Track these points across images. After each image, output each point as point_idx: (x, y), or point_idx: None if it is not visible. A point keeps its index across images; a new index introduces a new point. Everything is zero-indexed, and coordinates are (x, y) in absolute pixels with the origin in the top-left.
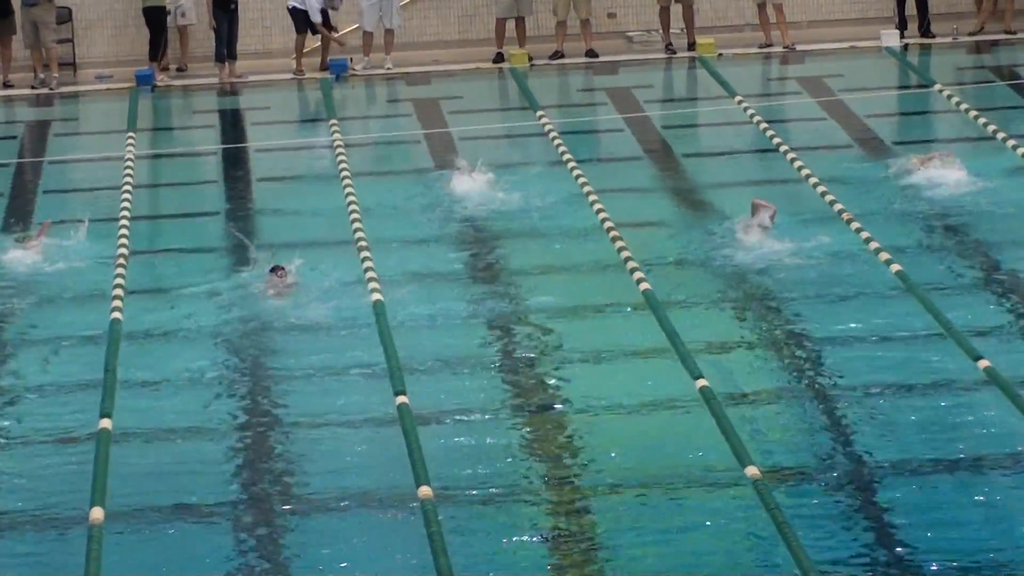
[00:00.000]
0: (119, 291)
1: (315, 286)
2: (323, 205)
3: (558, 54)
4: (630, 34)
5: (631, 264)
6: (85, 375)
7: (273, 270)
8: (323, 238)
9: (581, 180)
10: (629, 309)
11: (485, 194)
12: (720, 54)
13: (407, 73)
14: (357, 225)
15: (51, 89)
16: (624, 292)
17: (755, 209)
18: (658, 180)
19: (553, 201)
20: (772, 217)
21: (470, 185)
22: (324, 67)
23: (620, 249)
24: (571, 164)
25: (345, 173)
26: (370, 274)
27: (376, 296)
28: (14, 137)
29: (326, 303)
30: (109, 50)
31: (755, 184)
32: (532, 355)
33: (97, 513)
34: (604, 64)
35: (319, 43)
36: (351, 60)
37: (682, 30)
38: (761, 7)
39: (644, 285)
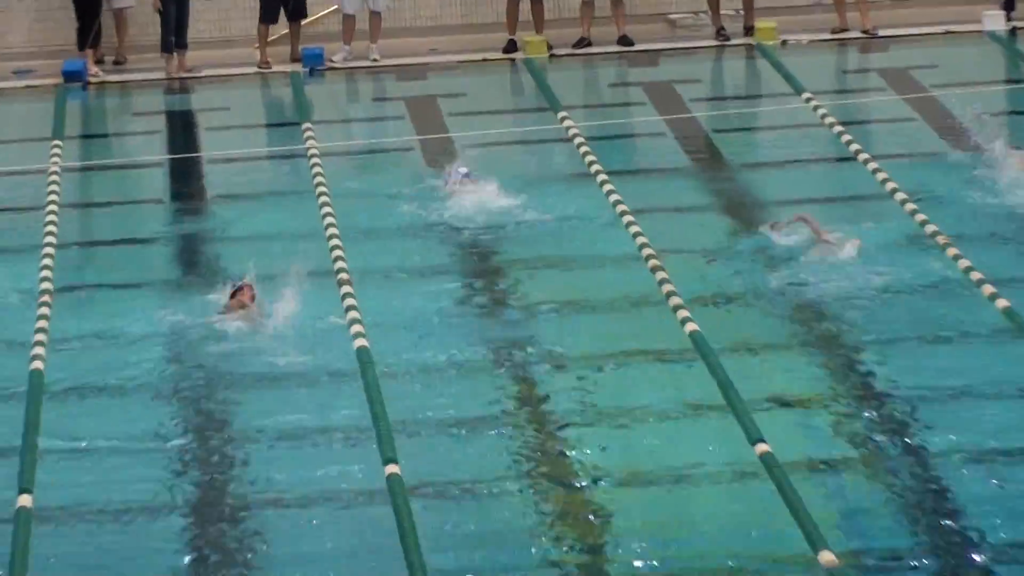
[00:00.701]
0: (41, 336)
1: (285, 328)
2: (295, 228)
3: (584, 41)
4: (673, 16)
5: (675, 300)
6: None
7: (232, 289)
8: (295, 269)
9: (613, 197)
10: (672, 355)
11: (494, 214)
12: (783, 41)
13: (398, 66)
14: (337, 253)
15: None
16: (666, 334)
17: (811, 228)
18: (707, 196)
19: (578, 222)
20: (814, 231)
21: (475, 203)
22: (295, 58)
23: (661, 281)
24: (600, 177)
25: (322, 189)
26: (352, 313)
27: (360, 341)
28: None
29: (298, 349)
30: (30, 39)
31: (827, 201)
32: (552, 412)
33: None
34: (641, 54)
35: (288, 29)
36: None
37: (737, 11)
38: None
39: (691, 326)
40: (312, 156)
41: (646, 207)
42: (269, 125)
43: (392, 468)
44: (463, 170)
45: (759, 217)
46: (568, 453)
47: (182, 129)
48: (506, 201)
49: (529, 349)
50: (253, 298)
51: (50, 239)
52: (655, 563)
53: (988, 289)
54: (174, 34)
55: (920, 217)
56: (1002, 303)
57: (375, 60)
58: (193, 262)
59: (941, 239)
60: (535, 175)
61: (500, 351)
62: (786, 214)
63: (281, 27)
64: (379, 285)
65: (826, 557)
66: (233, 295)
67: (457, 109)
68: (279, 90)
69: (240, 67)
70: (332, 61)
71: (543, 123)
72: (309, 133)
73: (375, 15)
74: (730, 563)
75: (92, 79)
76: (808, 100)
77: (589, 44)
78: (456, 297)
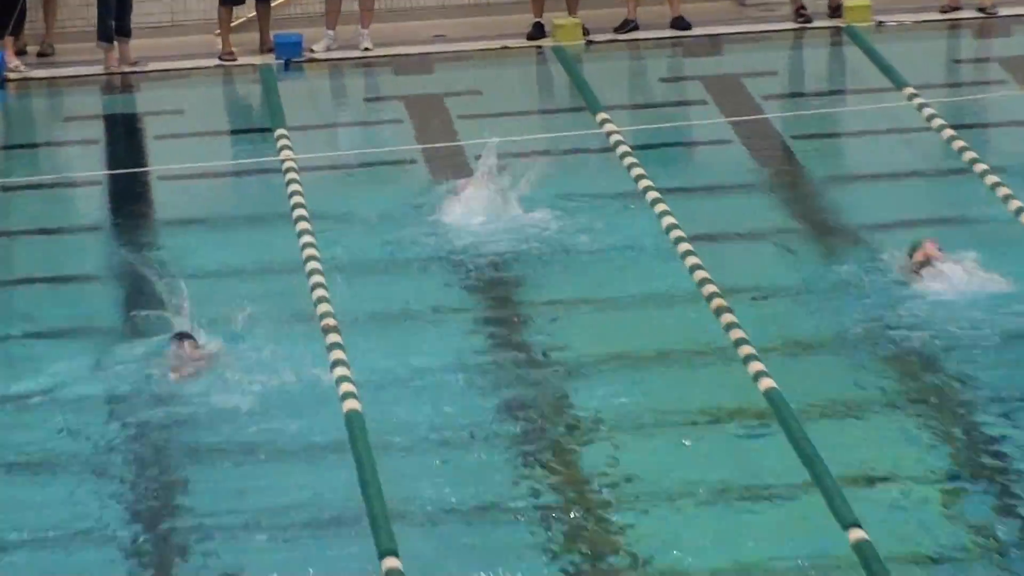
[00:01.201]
0: None
1: (254, 387)
2: (266, 260)
3: (629, 24)
4: None
5: (745, 349)
6: None
7: (177, 338)
8: (267, 310)
9: (667, 220)
10: (743, 418)
11: (514, 240)
12: (879, 22)
13: (395, 56)
14: (320, 293)
15: None
16: (735, 392)
17: (920, 255)
18: (784, 217)
19: (622, 251)
20: (938, 256)
21: (490, 226)
22: (266, 48)
23: (729, 326)
24: (651, 195)
25: (300, 212)
26: (340, 369)
27: (350, 403)
28: None
29: (272, 414)
30: None
31: (936, 222)
32: (591, 492)
33: None
34: (699, 40)
35: (256, 11)
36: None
37: None
38: None
39: (766, 382)
40: (288, 171)
41: (708, 233)
42: (234, 132)
43: (391, 562)
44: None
45: (851, 246)
46: (617, 550)
47: (125, 137)
48: (532, 226)
49: (563, 414)
50: (198, 351)
51: None
52: None
53: None
54: (115, 18)
55: None
56: None
57: (366, 49)
58: (139, 303)
59: None
60: (568, 193)
61: (526, 418)
62: (887, 239)
63: (248, 9)
64: (373, 332)
65: None
66: (177, 338)
67: (469, 110)
68: (246, 88)
69: (197, 59)
70: (312, 51)
71: (578, 127)
72: (284, 142)
73: None
74: None
75: (11, 75)
76: (911, 97)
77: (635, 28)
78: (470, 347)
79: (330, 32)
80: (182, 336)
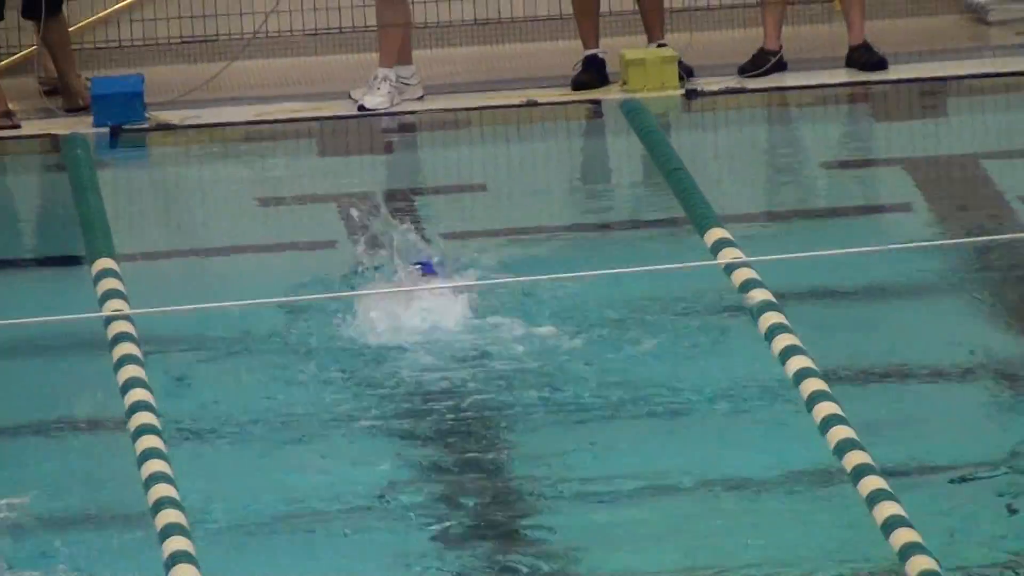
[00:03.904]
0: None
1: None
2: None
3: (768, 60)
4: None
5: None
6: None
7: None
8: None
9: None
10: None
11: (506, 369)
12: None
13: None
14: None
15: None
16: None
17: None
18: None
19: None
20: None
21: (461, 343)
22: (74, 102)
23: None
24: (784, 341)
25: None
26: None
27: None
28: None
29: None
30: None
31: None
32: None
33: None
34: (900, 88)
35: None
36: None
37: None
38: None
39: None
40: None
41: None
42: (7, 265)
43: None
44: (423, 262)
45: None
46: None
47: None
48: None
49: None
50: None
51: None
52: None
53: None
54: None
55: None
56: None
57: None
58: None
59: None
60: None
61: None
62: None
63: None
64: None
65: None
66: None
67: (456, 232)
68: (33, 180)
69: None
70: (355, 100)
71: (668, 254)
72: (111, 284)
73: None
74: None
75: None
76: None
77: (782, 65)
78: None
79: (387, 72)
80: None
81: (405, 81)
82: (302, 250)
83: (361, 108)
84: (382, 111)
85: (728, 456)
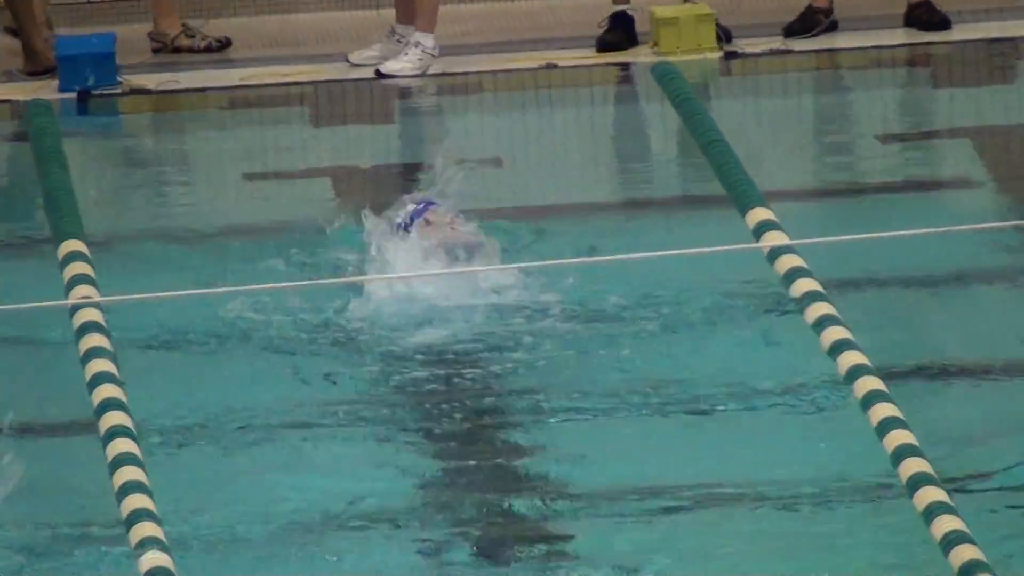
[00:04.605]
0: None
1: None
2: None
3: (819, 21)
4: None
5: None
6: None
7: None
8: None
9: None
10: None
11: (511, 312)
12: None
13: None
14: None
15: None
16: None
17: None
18: None
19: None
20: None
21: (464, 285)
22: (34, 67)
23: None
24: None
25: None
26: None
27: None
28: None
29: None
30: None
31: None
32: None
33: None
34: (963, 46)
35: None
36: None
37: None
38: None
39: None
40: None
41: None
42: None
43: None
44: (423, 204)
45: None
46: None
47: None
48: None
49: None
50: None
51: None
52: None
53: None
54: None
55: None
56: None
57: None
58: None
59: None
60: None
61: None
62: None
63: None
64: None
65: None
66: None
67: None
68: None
69: None
70: (349, 61)
71: (702, 238)
72: (79, 267)
73: None
74: None
75: None
76: None
77: (831, 25)
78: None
79: (424, 38)
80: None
81: (430, 51)
82: (293, 231)
83: (378, 74)
84: (400, 76)
85: (758, 458)
